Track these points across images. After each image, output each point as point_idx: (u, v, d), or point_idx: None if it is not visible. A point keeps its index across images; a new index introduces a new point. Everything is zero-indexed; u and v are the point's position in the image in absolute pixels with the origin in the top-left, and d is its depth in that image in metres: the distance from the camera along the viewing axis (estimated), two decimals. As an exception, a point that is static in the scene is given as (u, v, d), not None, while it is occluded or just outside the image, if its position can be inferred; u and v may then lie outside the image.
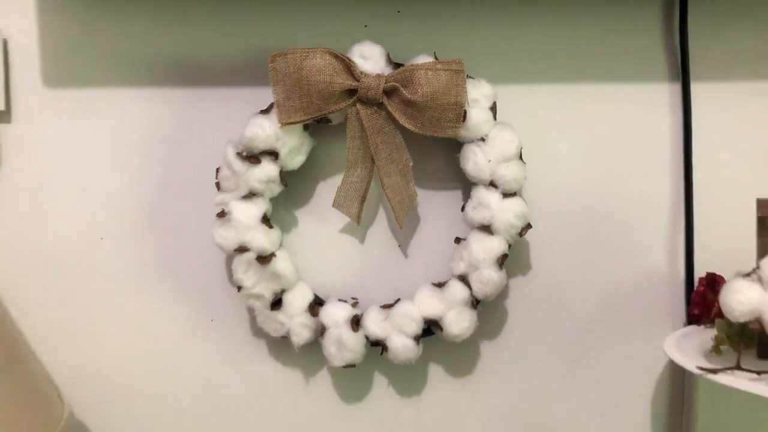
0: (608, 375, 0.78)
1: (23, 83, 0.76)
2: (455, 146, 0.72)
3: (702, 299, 0.73)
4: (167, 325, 0.78)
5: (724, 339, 0.64)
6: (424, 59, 0.70)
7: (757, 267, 0.58)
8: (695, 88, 0.75)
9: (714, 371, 0.58)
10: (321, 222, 0.77)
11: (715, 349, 0.64)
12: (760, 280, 0.57)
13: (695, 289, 0.74)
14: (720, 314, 0.62)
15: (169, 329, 0.78)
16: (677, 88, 0.75)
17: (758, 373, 0.58)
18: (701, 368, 0.58)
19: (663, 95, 0.76)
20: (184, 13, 0.75)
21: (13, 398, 0.66)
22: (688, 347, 0.65)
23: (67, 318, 0.77)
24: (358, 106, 0.70)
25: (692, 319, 0.73)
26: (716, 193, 0.75)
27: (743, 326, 0.61)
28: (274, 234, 0.73)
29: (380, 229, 0.77)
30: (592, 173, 0.76)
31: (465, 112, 0.69)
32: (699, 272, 0.75)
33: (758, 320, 0.57)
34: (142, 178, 0.77)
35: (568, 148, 0.76)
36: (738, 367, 0.59)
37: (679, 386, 0.77)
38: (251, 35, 0.75)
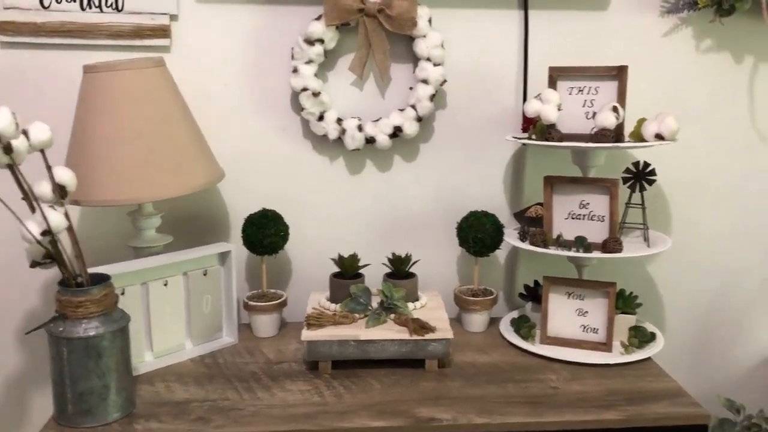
0: (484, 157, 1.54)
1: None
2: (410, 40, 1.45)
3: (528, 121, 1.49)
4: (261, 131, 1.50)
5: (531, 132, 1.40)
6: (396, -5, 1.42)
7: (540, 94, 1.34)
8: (532, 13, 1.49)
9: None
10: (342, 77, 1.49)
11: (530, 137, 1.41)
12: (541, 99, 1.33)
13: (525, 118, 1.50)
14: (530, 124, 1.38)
15: (262, 133, 1.50)
16: (522, 12, 1.49)
17: (544, 139, 1.35)
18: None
19: (513, 17, 1.49)
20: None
21: (201, 140, 1.35)
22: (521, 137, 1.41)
23: (208, 125, 1.46)
24: (364, 17, 1.41)
25: (523, 129, 1.50)
26: (539, 71, 1.49)
27: (536, 123, 1.38)
28: (320, 82, 1.44)
29: (371, 82, 1.50)
30: (475, 57, 1.50)
31: (416, 22, 1.41)
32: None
33: (539, 116, 1.33)
34: (250, 49, 1.46)
35: (464, 42, 1.49)
36: (530, 138, 1.36)
37: (520, 159, 1.56)
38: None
